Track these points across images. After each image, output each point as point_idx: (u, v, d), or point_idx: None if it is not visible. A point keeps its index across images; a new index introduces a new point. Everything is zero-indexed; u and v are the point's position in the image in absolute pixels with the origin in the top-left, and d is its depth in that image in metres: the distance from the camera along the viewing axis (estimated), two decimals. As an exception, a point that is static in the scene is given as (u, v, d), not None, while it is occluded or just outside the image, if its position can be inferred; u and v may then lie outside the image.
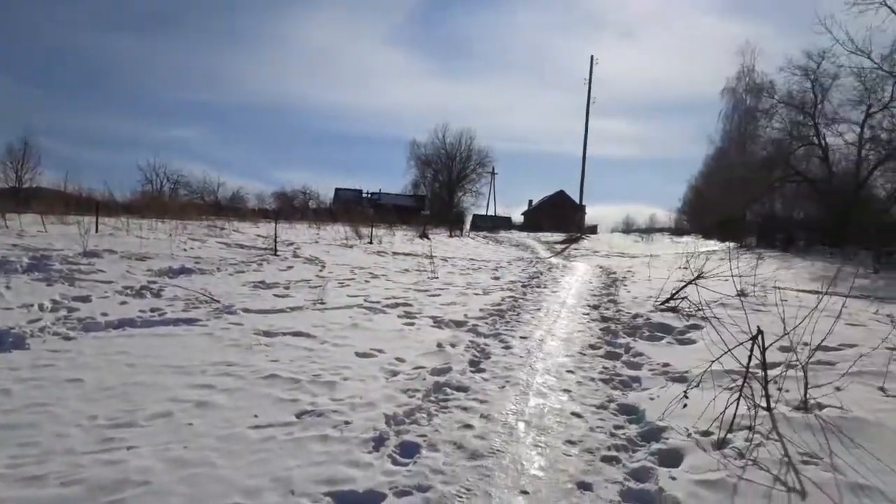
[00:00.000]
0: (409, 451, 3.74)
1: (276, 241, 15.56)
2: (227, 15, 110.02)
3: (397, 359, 5.84)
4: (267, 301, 8.56)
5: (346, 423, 4.06)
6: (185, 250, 12.91)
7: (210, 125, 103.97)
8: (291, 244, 17.03)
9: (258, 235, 18.50)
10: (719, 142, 40.47)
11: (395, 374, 5.34)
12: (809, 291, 10.96)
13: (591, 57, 47.05)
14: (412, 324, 7.63)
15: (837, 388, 4.89)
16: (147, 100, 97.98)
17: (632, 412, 4.70)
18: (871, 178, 25.12)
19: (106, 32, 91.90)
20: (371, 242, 21.01)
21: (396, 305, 8.81)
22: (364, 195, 64.90)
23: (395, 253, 18.07)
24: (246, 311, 7.75)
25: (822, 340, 5.42)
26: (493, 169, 65.67)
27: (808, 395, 4.54)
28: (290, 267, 12.53)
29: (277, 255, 14.22)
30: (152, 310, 7.43)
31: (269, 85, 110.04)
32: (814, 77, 26.26)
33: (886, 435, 3.99)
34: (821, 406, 4.47)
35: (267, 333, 6.57)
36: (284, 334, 6.59)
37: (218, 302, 8.11)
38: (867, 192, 25.44)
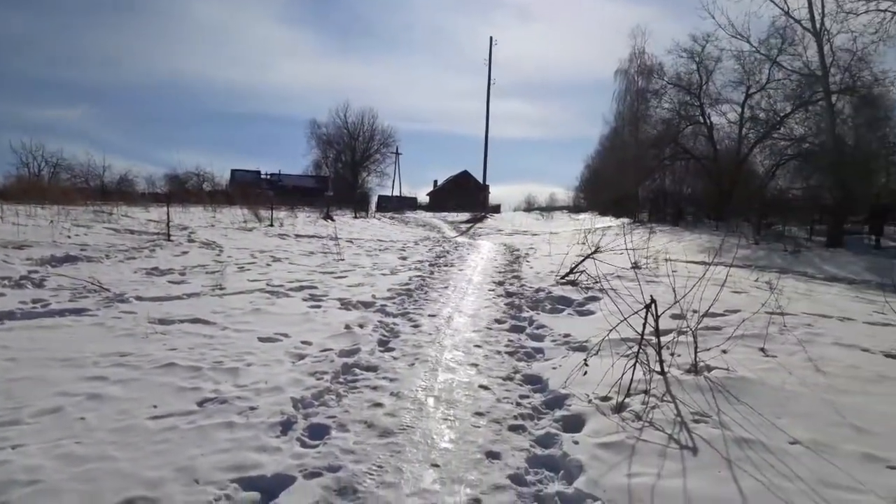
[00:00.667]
0: (318, 433, 3.68)
1: (168, 225, 14.83)
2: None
3: (303, 342, 5.72)
4: (161, 288, 8.15)
5: (252, 408, 3.94)
6: (69, 237, 12.05)
7: (92, 105, 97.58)
8: (186, 228, 16.28)
9: (149, 220, 17.57)
10: (613, 122, 42.02)
11: (301, 357, 5.23)
12: (697, 262, 11.63)
13: (490, 38, 47.68)
14: (318, 306, 7.50)
15: (724, 351, 5.25)
16: (15, 77, 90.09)
17: (536, 382, 4.85)
18: (752, 155, 26.92)
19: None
20: (272, 225, 20.43)
21: (301, 289, 8.62)
22: (263, 176, 62.79)
23: (297, 235, 17.65)
24: (139, 298, 7.35)
25: (710, 307, 5.78)
26: (397, 149, 65.28)
27: (697, 359, 4.84)
28: (185, 252, 11.98)
29: (171, 241, 13.55)
30: (34, 301, 6.89)
31: (156, 63, 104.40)
32: (699, 60, 27.77)
33: (767, 391, 4.31)
34: (709, 368, 4.77)
35: (163, 321, 6.26)
36: (182, 321, 6.30)
37: (108, 290, 7.64)
38: (748, 169, 27.25)
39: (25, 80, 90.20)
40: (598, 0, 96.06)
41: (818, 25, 21.64)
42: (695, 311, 5.78)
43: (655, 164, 29.92)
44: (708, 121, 28.29)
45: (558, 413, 4.12)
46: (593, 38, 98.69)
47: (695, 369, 4.77)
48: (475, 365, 5.28)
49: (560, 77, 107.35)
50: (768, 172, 25.95)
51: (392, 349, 5.69)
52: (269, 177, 63.25)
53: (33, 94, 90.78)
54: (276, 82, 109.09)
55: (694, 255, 13.80)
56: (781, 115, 25.17)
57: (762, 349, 5.42)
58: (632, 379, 4.36)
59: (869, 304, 8.54)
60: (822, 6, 21.40)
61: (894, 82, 21.52)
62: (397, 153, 65.19)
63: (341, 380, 4.72)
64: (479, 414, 4.11)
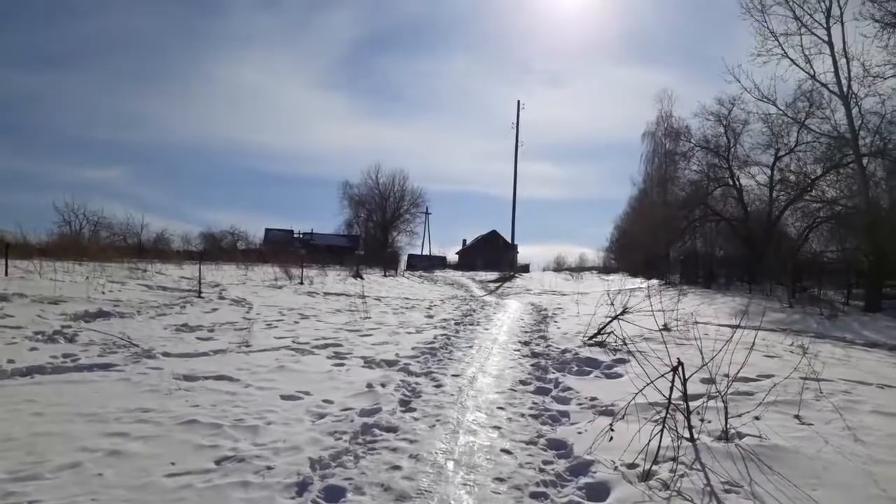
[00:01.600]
0: (333, 495, 3.62)
1: (200, 282, 15.08)
2: (146, 56, 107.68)
3: (325, 401, 5.69)
4: (189, 344, 8.24)
5: (269, 468, 3.90)
6: (103, 293, 12.33)
7: (133, 165, 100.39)
8: (217, 285, 16.55)
9: (182, 277, 17.91)
10: (641, 183, 42.19)
11: (321, 416, 5.19)
12: (729, 325, 11.38)
13: (518, 102, 48.34)
14: (342, 364, 7.48)
15: (756, 418, 5.07)
16: (62, 139, 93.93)
17: (560, 447, 4.72)
18: (783, 217, 26.59)
19: (9, 69, 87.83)
20: (302, 283, 20.65)
21: (326, 346, 8.64)
22: (296, 235, 63.97)
23: (326, 293, 17.79)
24: (166, 354, 7.43)
25: (739, 371, 5.61)
26: (427, 209, 66.27)
27: (728, 425, 4.68)
28: (216, 309, 12.14)
29: (202, 297, 13.76)
30: (65, 355, 7.02)
31: (195, 125, 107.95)
32: (726, 122, 27.83)
33: (802, 461, 4.13)
34: (740, 435, 4.61)
35: (188, 377, 6.30)
36: (206, 378, 6.33)
37: (137, 346, 7.75)
38: (780, 231, 26.90)
39: (75, 142, 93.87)
40: (624, 66, 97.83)
41: (845, 89, 21.62)
42: (725, 376, 5.61)
43: (685, 226, 29.72)
44: (737, 183, 28.17)
45: (582, 480, 3.99)
46: (620, 101, 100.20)
47: (725, 436, 4.60)
48: (498, 428, 5.17)
49: (588, 139, 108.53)
50: (801, 235, 25.56)
51: (413, 409, 5.61)
52: (301, 235, 64.36)
53: (78, 153, 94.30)
54: (310, 144, 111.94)
55: (726, 317, 13.51)
56: (812, 177, 24.94)
57: (797, 416, 5.21)
58: (659, 445, 4.22)
59: (911, 371, 8.22)
60: (849, 70, 21.43)
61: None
62: (427, 213, 66.14)
63: (360, 440, 4.65)
64: (500, 479, 4.00)
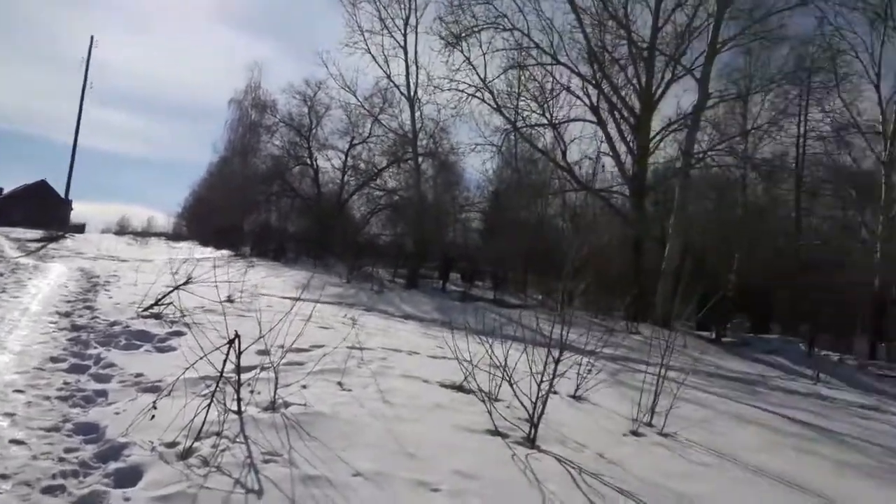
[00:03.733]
0: None
1: None
2: None
3: None
4: None
5: None
6: None
7: None
8: None
9: None
10: (224, 150, 40.97)
11: None
12: (291, 298, 11.82)
13: (91, 37, 42.23)
14: None
15: (304, 386, 5.28)
16: None
17: (91, 431, 4.14)
18: (351, 200, 29.11)
19: None
20: None
21: None
22: None
23: None
24: None
25: (294, 342, 5.79)
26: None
27: (276, 395, 4.75)
28: None
29: None
30: None
31: None
32: (311, 104, 29.09)
33: (339, 425, 4.42)
34: (287, 404, 4.72)
35: None
36: None
37: None
38: (347, 213, 29.36)
39: None
40: (220, 25, 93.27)
41: (412, 93, 24.69)
42: (281, 347, 5.72)
43: (262, 199, 30.17)
44: (315, 163, 29.72)
45: (112, 466, 3.54)
46: (211, 62, 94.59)
47: (273, 407, 4.66)
48: (11, 415, 4.27)
49: (173, 96, 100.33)
50: (364, 218, 28.39)
51: None
52: None
53: None
54: None
55: (291, 290, 14.04)
56: (378, 168, 27.88)
57: (339, 383, 5.61)
58: (204, 421, 4.03)
59: (433, 340, 9.68)
60: (417, 77, 24.52)
61: (464, 153, 25.66)
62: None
63: None
64: (4, 477, 3.28)
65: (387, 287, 19.10)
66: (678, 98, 20.58)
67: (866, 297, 19.31)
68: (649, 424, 5.77)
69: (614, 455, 4.78)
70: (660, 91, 20.05)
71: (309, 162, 29.65)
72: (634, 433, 5.55)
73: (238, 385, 4.51)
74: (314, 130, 29.38)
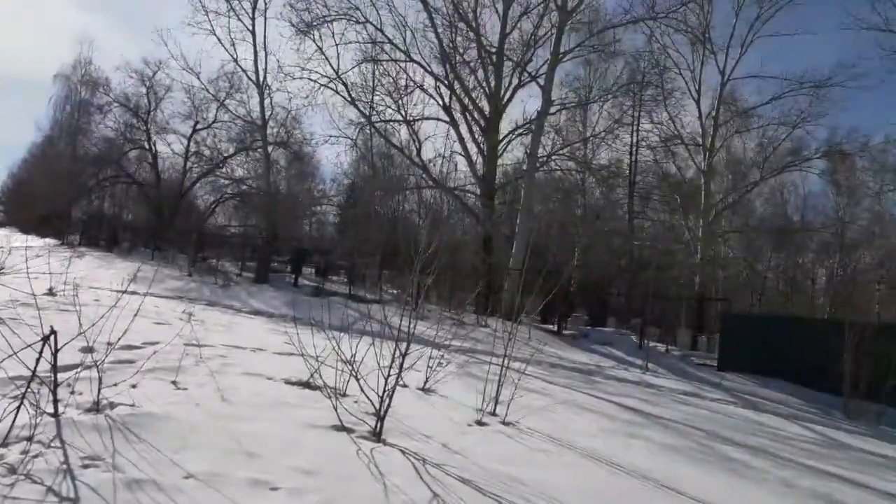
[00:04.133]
0: None
1: None
2: None
3: None
4: None
5: None
6: None
7: None
8: None
9: None
10: (48, 130, 37.25)
11: None
12: (122, 291, 10.95)
13: None
14: None
15: (133, 386, 4.90)
16: None
17: None
18: (195, 188, 27.54)
19: None
20: None
21: None
22: None
23: None
24: None
25: (120, 338, 5.34)
26: None
27: (101, 396, 4.35)
28: None
29: None
30: None
31: None
32: (150, 84, 27.16)
33: (172, 426, 4.13)
34: (113, 405, 4.35)
35: None
36: None
37: None
38: (190, 201, 27.77)
39: None
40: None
41: (261, 79, 23.82)
42: (108, 344, 5.25)
43: (94, 184, 27.77)
44: (154, 148, 27.84)
45: None
46: (34, 30, 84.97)
47: (96, 408, 4.26)
48: None
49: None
50: (209, 207, 26.97)
51: None
52: None
53: None
54: None
55: (124, 283, 13.02)
56: (225, 155, 26.61)
57: (174, 382, 5.26)
58: (12, 425, 3.61)
59: (282, 336, 9.38)
60: (266, 63, 23.71)
61: (318, 144, 25.19)
62: None
63: None
64: None
65: (234, 281, 18.27)
66: (524, 103, 22.01)
67: (689, 294, 21.39)
68: (493, 414, 5.97)
69: (458, 445, 4.88)
70: (508, 95, 20.93)
71: (147, 146, 27.71)
72: (479, 423, 5.71)
73: (55, 385, 4.08)
74: (153, 113, 27.49)
